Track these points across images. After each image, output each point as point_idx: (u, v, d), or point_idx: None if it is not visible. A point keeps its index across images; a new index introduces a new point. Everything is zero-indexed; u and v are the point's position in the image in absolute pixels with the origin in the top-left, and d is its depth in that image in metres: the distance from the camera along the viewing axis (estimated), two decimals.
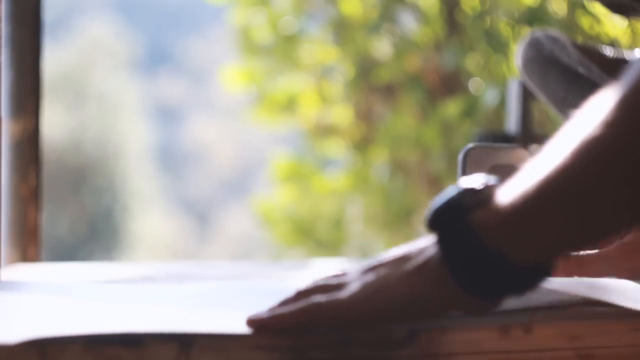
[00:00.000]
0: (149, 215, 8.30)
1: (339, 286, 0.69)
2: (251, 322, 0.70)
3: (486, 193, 0.66)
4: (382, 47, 2.87)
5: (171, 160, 9.19)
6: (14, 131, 1.51)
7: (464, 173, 1.04)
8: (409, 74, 2.77)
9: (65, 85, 7.99)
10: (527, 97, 1.87)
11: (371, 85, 2.86)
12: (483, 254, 0.64)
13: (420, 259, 0.67)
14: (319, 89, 2.95)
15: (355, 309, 0.68)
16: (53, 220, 7.31)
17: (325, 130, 2.98)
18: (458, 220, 0.65)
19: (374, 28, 2.82)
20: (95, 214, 7.99)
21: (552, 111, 1.17)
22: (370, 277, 0.68)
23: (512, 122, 1.90)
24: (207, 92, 9.00)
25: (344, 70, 2.92)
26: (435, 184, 2.63)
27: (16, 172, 1.51)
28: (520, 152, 1.05)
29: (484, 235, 0.64)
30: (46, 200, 1.63)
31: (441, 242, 0.66)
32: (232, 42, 3.13)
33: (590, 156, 0.61)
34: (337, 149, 2.98)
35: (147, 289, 1.01)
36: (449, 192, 0.67)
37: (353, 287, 0.69)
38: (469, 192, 0.66)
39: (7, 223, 1.49)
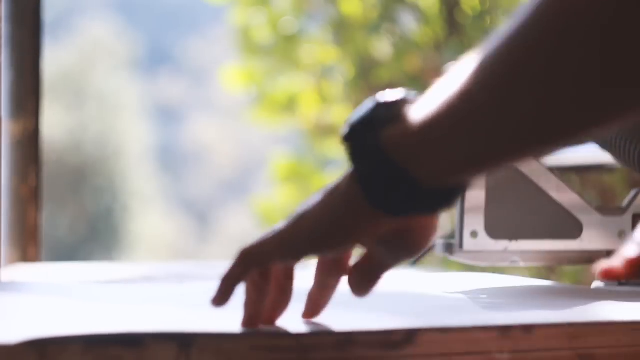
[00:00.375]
0: (149, 215, 8.30)
1: (270, 232, 0.70)
2: (213, 301, 0.70)
3: (398, 108, 0.65)
4: (382, 47, 2.87)
5: (171, 160, 9.19)
6: (14, 131, 1.51)
7: None
8: (409, 74, 2.77)
9: (65, 85, 8.00)
10: None
11: (371, 85, 2.86)
12: (390, 171, 0.63)
13: (336, 182, 0.67)
14: (319, 89, 2.95)
15: (280, 241, 0.68)
16: (53, 220, 7.32)
17: (325, 130, 2.98)
18: (368, 136, 0.64)
19: (374, 28, 2.82)
20: (95, 214, 7.99)
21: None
22: (293, 215, 0.69)
23: None
24: (207, 92, 9.00)
25: (344, 70, 2.92)
26: None
27: (16, 172, 1.51)
28: None
29: (392, 152, 0.63)
30: (46, 200, 1.63)
31: (352, 157, 0.65)
32: (232, 42, 3.14)
33: (494, 74, 0.60)
34: (337, 149, 2.98)
35: (147, 289, 1.01)
36: (364, 106, 0.66)
37: (278, 226, 0.69)
38: (382, 107, 0.65)
39: (7, 223, 1.49)
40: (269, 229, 0.71)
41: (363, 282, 0.70)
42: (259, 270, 0.71)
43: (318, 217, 0.67)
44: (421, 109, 0.63)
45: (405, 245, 0.68)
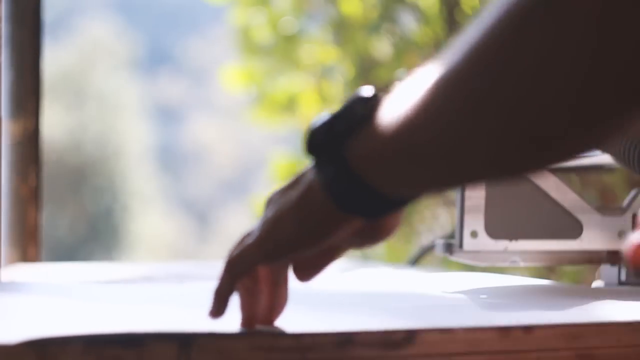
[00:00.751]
0: (149, 215, 8.30)
1: (248, 236, 0.72)
2: (210, 314, 0.71)
3: (362, 116, 0.65)
4: (382, 47, 2.87)
5: (171, 160, 9.19)
6: (14, 131, 1.51)
7: None
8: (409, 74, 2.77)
9: (65, 85, 8.00)
10: None
11: (371, 85, 2.86)
12: (356, 185, 0.65)
13: (304, 183, 0.69)
14: (319, 89, 2.95)
15: (259, 246, 0.70)
16: (53, 220, 7.31)
17: None
18: (330, 148, 0.66)
19: (374, 28, 2.83)
20: (95, 214, 7.99)
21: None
22: (268, 214, 0.71)
23: None
24: (207, 92, 9.00)
25: (344, 70, 2.92)
26: None
27: (16, 172, 1.51)
28: None
29: (355, 167, 0.65)
30: (46, 200, 1.63)
31: (317, 167, 0.68)
32: (232, 42, 3.13)
33: (450, 98, 0.59)
34: None
35: (147, 289, 1.01)
36: (324, 116, 0.68)
37: (256, 230, 0.71)
38: (346, 116, 0.66)
39: (7, 223, 1.49)
40: (247, 231, 0.73)
41: (313, 269, 0.73)
42: (246, 275, 0.71)
43: (294, 219, 0.69)
44: (384, 120, 0.63)
45: (373, 235, 0.70)
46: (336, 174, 0.66)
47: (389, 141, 0.63)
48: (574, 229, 1.05)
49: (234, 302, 0.85)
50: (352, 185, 0.65)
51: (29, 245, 1.50)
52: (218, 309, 0.71)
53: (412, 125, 0.61)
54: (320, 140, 0.67)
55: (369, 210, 0.66)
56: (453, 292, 0.98)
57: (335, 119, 0.67)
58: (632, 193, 1.07)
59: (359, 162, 0.65)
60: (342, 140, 0.65)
